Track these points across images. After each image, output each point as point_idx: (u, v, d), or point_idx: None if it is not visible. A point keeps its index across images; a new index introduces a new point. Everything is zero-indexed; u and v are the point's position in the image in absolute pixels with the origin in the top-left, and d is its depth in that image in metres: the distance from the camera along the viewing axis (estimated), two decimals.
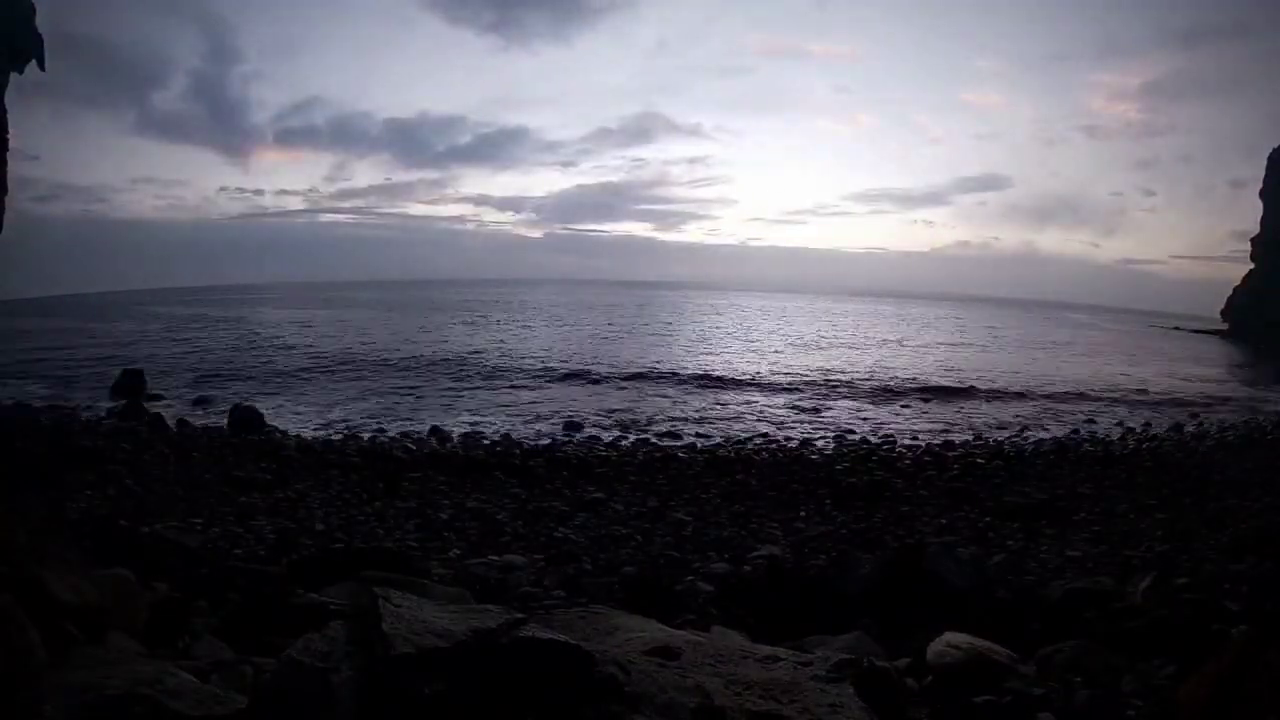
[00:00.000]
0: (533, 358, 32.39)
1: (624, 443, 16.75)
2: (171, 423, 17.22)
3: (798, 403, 23.68)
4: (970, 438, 18.59)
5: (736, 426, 19.65)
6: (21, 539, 3.62)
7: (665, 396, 23.98)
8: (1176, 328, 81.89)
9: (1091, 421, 21.80)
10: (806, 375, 30.07)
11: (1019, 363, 38.32)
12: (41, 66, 24.64)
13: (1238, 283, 74.78)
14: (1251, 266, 72.62)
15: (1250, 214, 73.26)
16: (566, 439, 17.20)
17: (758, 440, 17.58)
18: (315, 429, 17.61)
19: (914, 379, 29.60)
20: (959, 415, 22.41)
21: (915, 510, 11.35)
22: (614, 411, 21.00)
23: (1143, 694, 3.99)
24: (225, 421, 17.41)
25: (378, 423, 18.57)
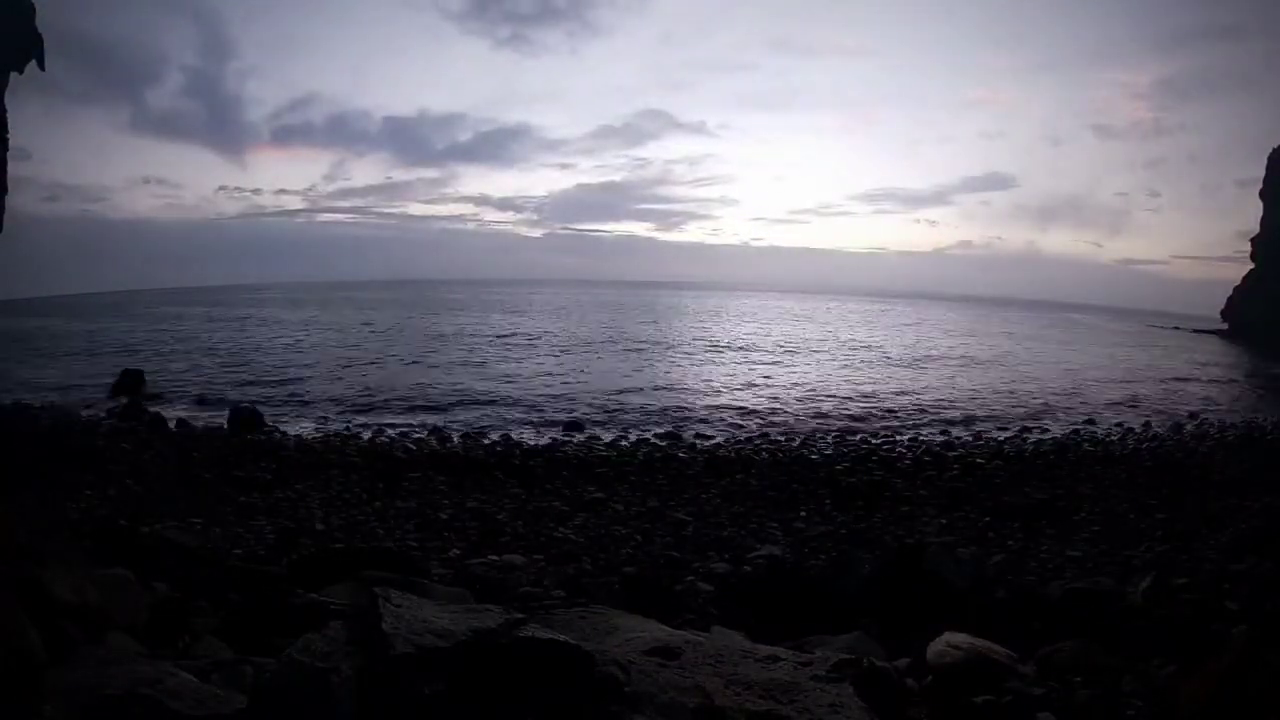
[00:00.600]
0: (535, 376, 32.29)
1: (624, 443, 16.74)
2: (171, 423, 17.22)
3: (797, 403, 23.68)
4: (970, 438, 18.59)
5: (736, 427, 19.65)
6: (21, 539, 3.62)
7: (666, 396, 23.98)
8: (1176, 327, 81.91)
9: (1091, 422, 21.79)
10: (799, 379, 30.07)
11: (1018, 363, 38.31)
12: (41, 66, 24.68)
13: (1239, 283, 74.83)
14: (1252, 266, 72.67)
15: (1255, 214, 73.23)
16: (566, 439, 17.20)
17: (758, 440, 17.58)
18: (315, 429, 17.61)
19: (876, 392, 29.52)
20: (956, 415, 22.42)
21: (915, 510, 11.36)
22: (614, 411, 21.00)
23: (1143, 694, 3.99)
24: (225, 421, 17.41)
25: (378, 423, 18.57)
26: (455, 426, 18.32)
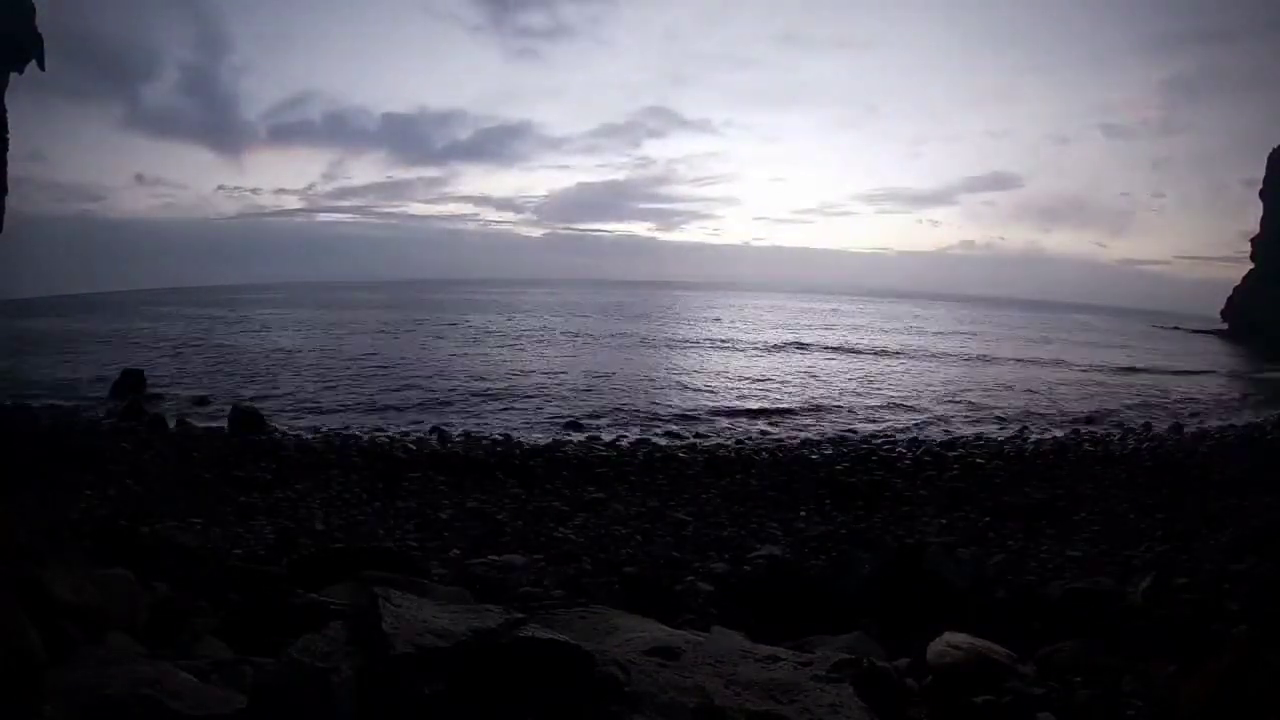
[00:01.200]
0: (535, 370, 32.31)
1: (624, 443, 16.75)
2: (171, 423, 17.21)
3: (797, 402, 23.69)
4: (970, 438, 18.59)
5: (736, 427, 19.65)
6: (21, 539, 3.62)
7: (666, 396, 23.97)
8: (1176, 327, 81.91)
9: (1091, 422, 21.79)
10: (796, 377, 30.07)
11: (1017, 363, 38.31)
12: (41, 66, 24.66)
13: (1239, 283, 74.81)
14: (1252, 266, 72.66)
15: (1259, 214, 73.09)
16: (566, 439, 17.19)
17: (758, 440, 17.58)
18: (315, 429, 17.60)
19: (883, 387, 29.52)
20: (955, 414, 22.42)
21: (915, 510, 11.36)
22: (614, 411, 21.00)
23: (1143, 694, 3.99)
24: (225, 421, 17.40)
25: (378, 423, 18.57)
26: (455, 426, 18.32)
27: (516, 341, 40.90)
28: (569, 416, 19.86)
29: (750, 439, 17.76)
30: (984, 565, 7.82)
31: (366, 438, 16.39)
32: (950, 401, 24.94)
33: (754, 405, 23.05)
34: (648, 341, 43.33)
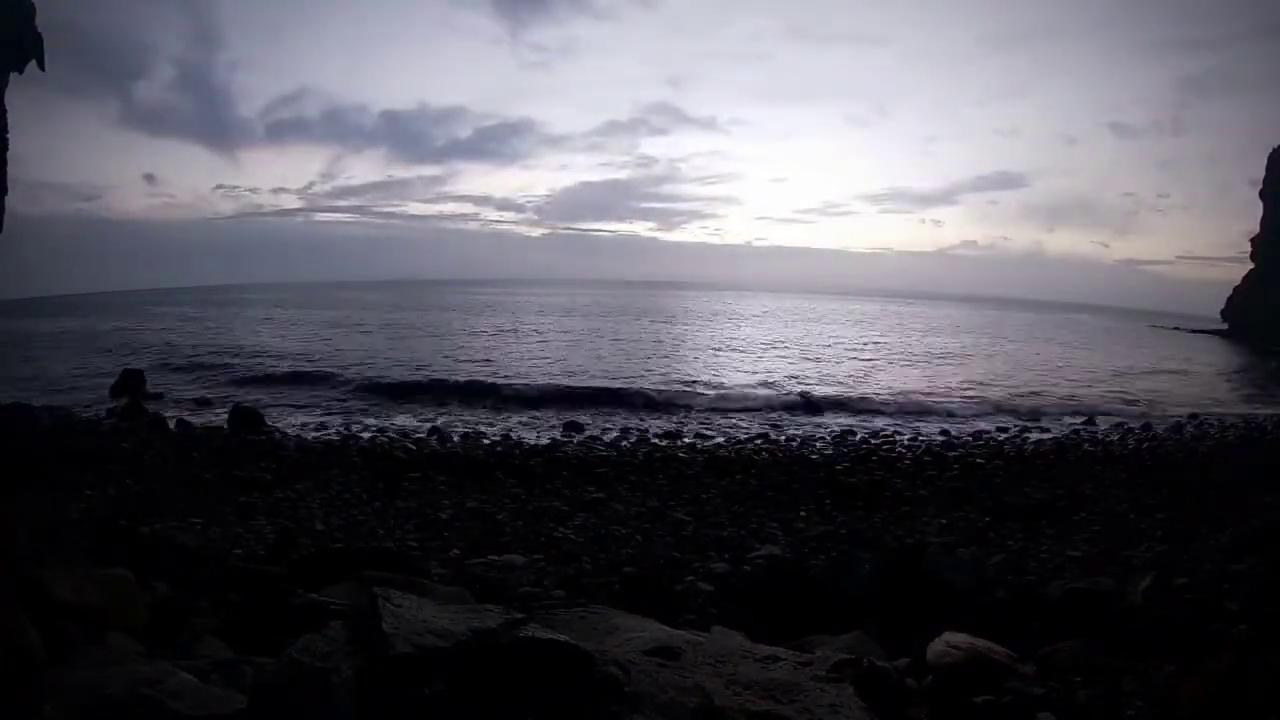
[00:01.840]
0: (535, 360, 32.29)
1: (624, 443, 16.75)
2: (171, 423, 17.21)
3: (797, 402, 23.70)
4: (970, 438, 18.59)
5: (736, 427, 19.65)
6: (21, 539, 3.62)
7: (666, 396, 23.98)
8: (1177, 328, 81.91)
9: (1091, 422, 21.80)
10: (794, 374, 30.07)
11: (1017, 363, 38.32)
12: (41, 66, 24.66)
13: (1239, 283, 74.83)
14: (1252, 266, 72.68)
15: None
16: (566, 439, 17.20)
17: (758, 440, 17.58)
18: (315, 429, 17.61)
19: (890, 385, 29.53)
20: (955, 414, 22.43)
21: (915, 510, 11.35)
22: (614, 411, 21.01)
23: (1143, 694, 3.99)
24: (225, 421, 17.41)
25: (378, 423, 18.57)
26: (455, 426, 18.32)
27: (517, 341, 40.90)
28: (569, 417, 19.87)
29: (750, 439, 17.76)
30: (984, 565, 7.82)
31: (366, 438, 16.40)
32: (950, 402, 24.95)
33: (754, 405, 23.06)
34: (647, 341, 43.34)
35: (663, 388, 25.63)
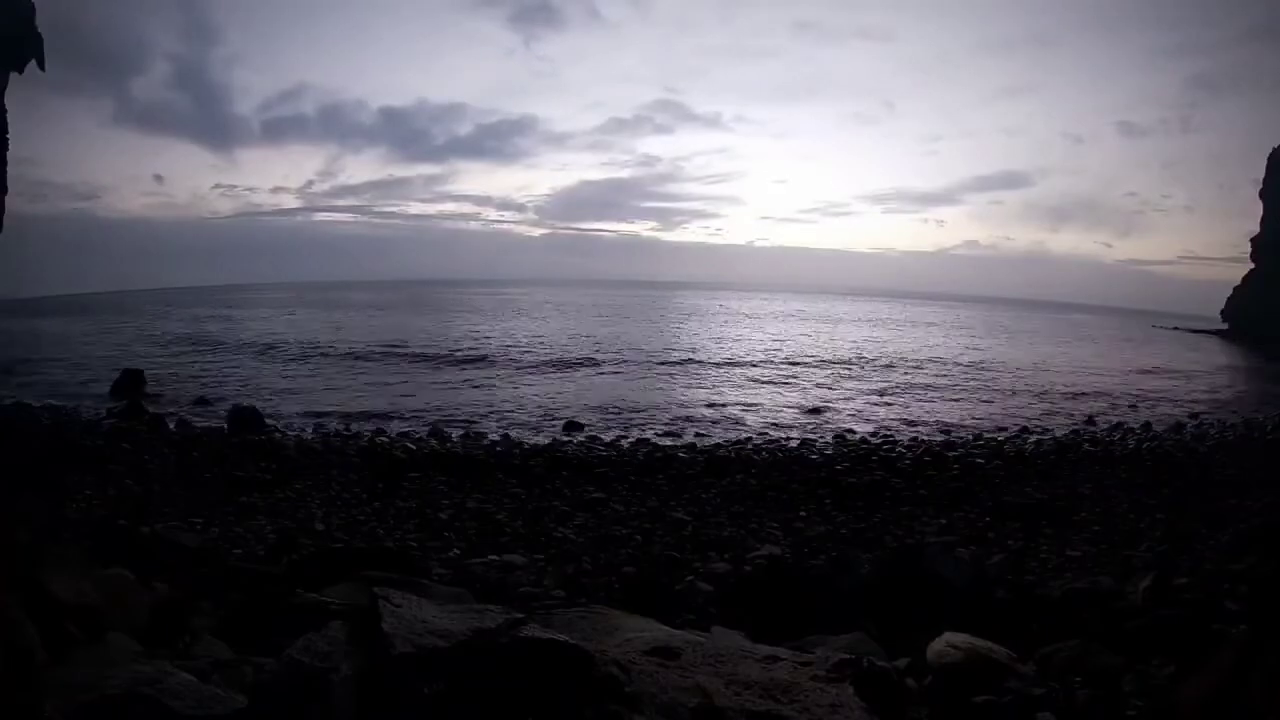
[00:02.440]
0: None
1: (624, 443, 16.74)
2: (171, 423, 17.21)
3: (797, 404, 23.69)
4: (970, 438, 18.58)
5: (736, 427, 19.65)
6: (21, 539, 3.62)
7: (666, 396, 23.98)
8: (1176, 328, 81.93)
9: (1091, 422, 21.79)
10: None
11: (1017, 364, 38.31)
12: (41, 66, 24.67)
13: (1239, 283, 74.85)
14: (1252, 266, 72.69)
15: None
16: (566, 439, 17.19)
17: (758, 440, 17.58)
18: (315, 429, 17.60)
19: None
20: (957, 415, 22.43)
21: (915, 510, 11.35)
22: (614, 411, 21.00)
23: (1143, 694, 3.99)
24: (225, 421, 17.41)
25: (378, 423, 18.56)
26: (455, 426, 18.32)
27: (516, 341, 40.90)
28: (569, 417, 19.87)
29: (750, 439, 17.75)
30: (984, 565, 7.83)
31: (366, 438, 16.39)
32: (948, 401, 24.95)
33: (754, 405, 23.05)
34: (647, 341, 43.32)
35: (663, 388, 25.63)
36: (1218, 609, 5.55)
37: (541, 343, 38.25)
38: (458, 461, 14.02)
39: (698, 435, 18.11)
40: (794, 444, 17.08)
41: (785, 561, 8.09)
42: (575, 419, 19.49)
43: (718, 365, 33.13)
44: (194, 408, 20.07)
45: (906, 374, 31.89)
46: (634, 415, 20.60)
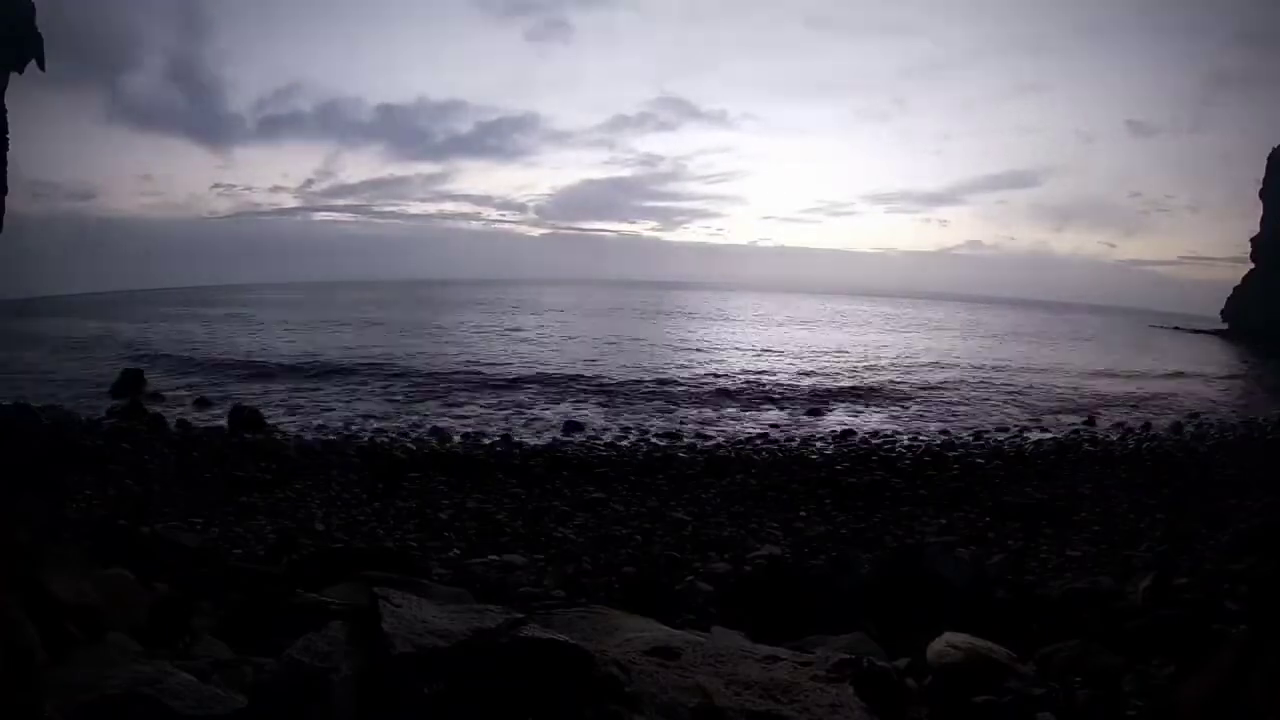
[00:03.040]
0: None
1: (624, 443, 16.75)
2: (171, 423, 17.21)
3: (797, 402, 23.70)
4: (970, 438, 18.59)
5: (736, 427, 19.65)
6: (21, 539, 3.62)
7: (666, 396, 23.98)
8: (1176, 328, 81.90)
9: (1091, 422, 21.79)
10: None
11: (1017, 364, 38.31)
12: (41, 66, 24.62)
13: (1238, 283, 74.85)
14: (1252, 267, 72.68)
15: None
16: (566, 439, 17.20)
17: (758, 440, 17.58)
18: (315, 429, 17.60)
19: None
20: (956, 415, 22.43)
21: (915, 510, 11.36)
22: (614, 411, 21.00)
23: (1143, 694, 3.99)
24: (225, 421, 17.41)
25: (378, 423, 18.56)
26: (455, 426, 18.31)
27: (516, 341, 40.89)
28: (569, 416, 19.87)
29: (750, 439, 17.75)
30: (984, 565, 7.83)
31: (366, 438, 16.40)
32: (948, 402, 24.94)
33: (754, 404, 23.05)
34: (647, 341, 43.32)
35: (662, 386, 25.62)
36: (1218, 609, 5.55)
37: (541, 351, 38.07)
38: (458, 461, 14.03)
39: (698, 435, 18.11)
40: (794, 444, 17.08)
41: (785, 561, 8.10)
42: (575, 419, 19.50)
43: (718, 366, 33.12)
44: (194, 408, 20.07)
45: (906, 374, 31.89)
46: (634, 415, 20.59)
